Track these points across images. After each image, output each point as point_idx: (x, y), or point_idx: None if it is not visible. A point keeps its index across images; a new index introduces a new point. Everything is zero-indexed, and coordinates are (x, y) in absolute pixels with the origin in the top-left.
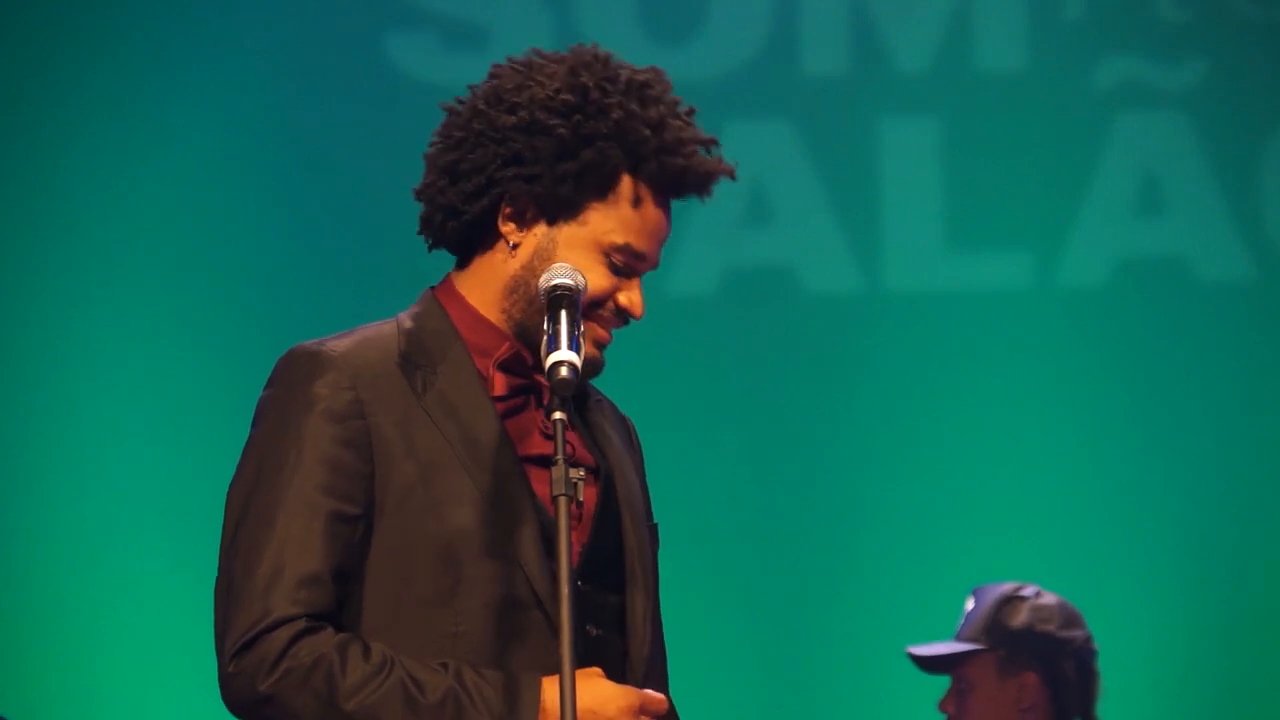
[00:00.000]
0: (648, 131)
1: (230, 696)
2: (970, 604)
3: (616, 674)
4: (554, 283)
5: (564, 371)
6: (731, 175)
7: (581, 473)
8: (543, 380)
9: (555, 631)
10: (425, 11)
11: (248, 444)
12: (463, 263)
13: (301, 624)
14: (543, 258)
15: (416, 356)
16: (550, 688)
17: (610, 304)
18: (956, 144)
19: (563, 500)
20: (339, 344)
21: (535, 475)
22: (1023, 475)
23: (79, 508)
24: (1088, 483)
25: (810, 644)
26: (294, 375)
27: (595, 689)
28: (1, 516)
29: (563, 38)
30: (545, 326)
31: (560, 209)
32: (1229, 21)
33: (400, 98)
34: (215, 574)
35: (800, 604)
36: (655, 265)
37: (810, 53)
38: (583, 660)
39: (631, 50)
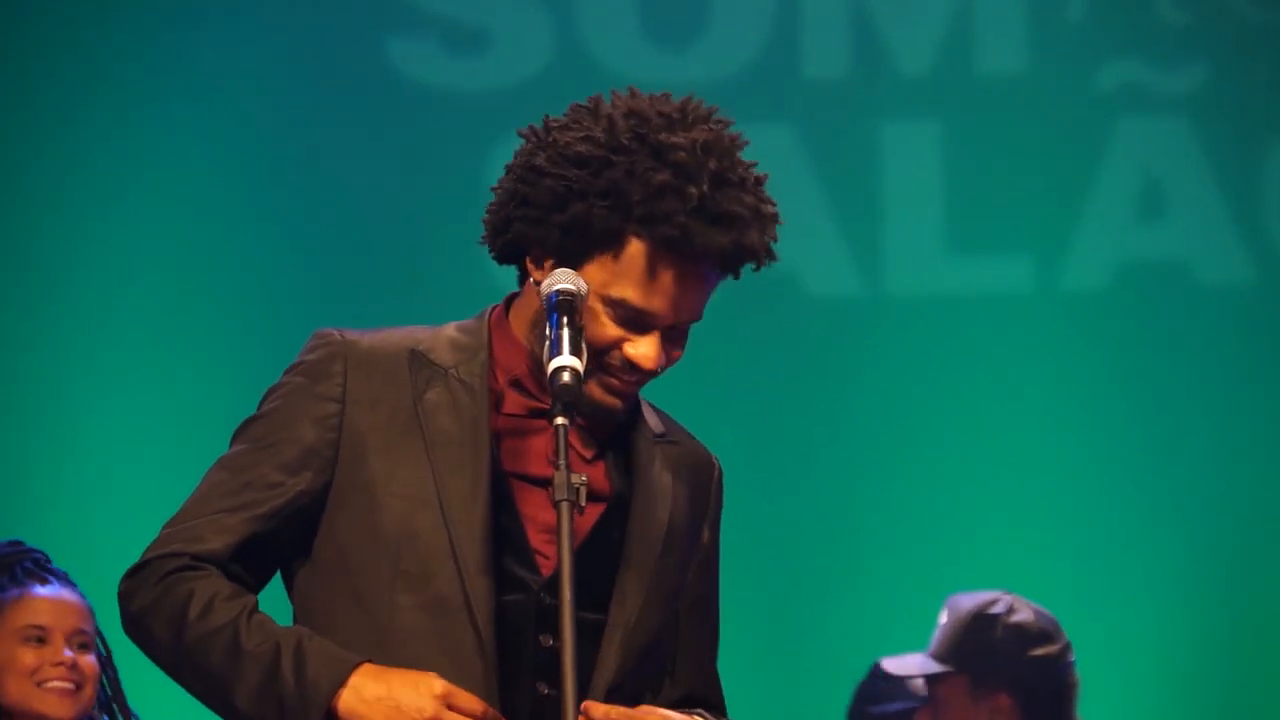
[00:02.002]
0: (639, 196)
1: (120, 611)
2: (943, 616)
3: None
4: (556, 288)
5: (565, 377)
6: (756, 258)
7: (584, 477)
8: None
9: (479, 638)
10: (426, 14)
11: None
12: (520, 283)
13: (186, 560)
14: None
15: (435, 356)
16: (363, 674)
17: (617, 354)
18: (957, 147)
19: (564, 505)
20: (357, 333)
21: (522, 492)
22: (1024, 479)
23: (80, 506)
24: (1089, 486)
25: (810, 646)
26: (303, 352)
27: (411, 683)
28: (2, 518)
29: (564, 42)
30: (547, 332)
31: (563, 256)
32: (1230, 25)
33: (401, 101)
34: None
35: (800, 607)
36: (679, 320)
37: (811, 56)
38: (533, 667)
39: (632, 54)
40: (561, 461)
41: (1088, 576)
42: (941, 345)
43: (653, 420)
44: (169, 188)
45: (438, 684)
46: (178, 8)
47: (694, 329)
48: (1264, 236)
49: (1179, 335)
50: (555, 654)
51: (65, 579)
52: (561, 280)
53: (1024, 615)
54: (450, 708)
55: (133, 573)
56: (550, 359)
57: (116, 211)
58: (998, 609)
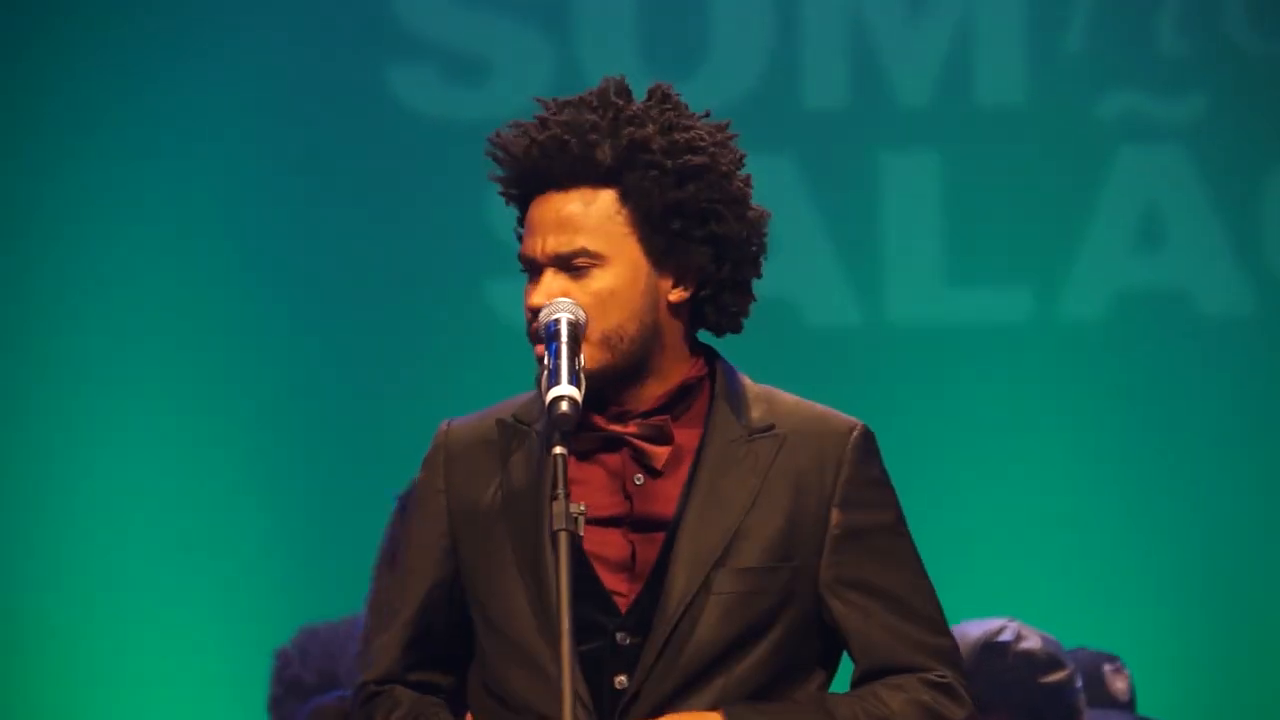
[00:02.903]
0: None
1: None
2: None
3: None
4: (554, 317)
5: (564, 406)
6: (553, 157)
7: (582, 506)
8: (618, 429)
9: (570, 691)
10: (427, 45)
11: None
12: None
13: (370, 689)
14: None
15: (523, 416)
16: None
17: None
18: (957, 177)
19: (563, 535)
20: (464, 419)
21: (589, 533)
22: (1023, 508)
23: (78, 513)
24: (1088, 515)
25: None
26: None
27: None
28: (3, 525)
29: (563, 71)
30: (545, 361)
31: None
32: (1229, 55)
33: (402, 130)
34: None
35: None
36: (548, 249)
37: (811, 86)
38: (609, 711)
39: (632, 84)
40: (560, 491)
41: (1088, 603)
42: (941, 375)
43: (757, 413)
44: (168, 213)
45: None
46: (179, 37)
47: None
48: (1263, 265)
49: (1178, 364)
50: (630, 696)
51: None
52: (560, 310)
53: (1031, 642)
54: None
55: (349, 712)
56: (549, 389)
57: (119, 236)
58: (1005, 637)
